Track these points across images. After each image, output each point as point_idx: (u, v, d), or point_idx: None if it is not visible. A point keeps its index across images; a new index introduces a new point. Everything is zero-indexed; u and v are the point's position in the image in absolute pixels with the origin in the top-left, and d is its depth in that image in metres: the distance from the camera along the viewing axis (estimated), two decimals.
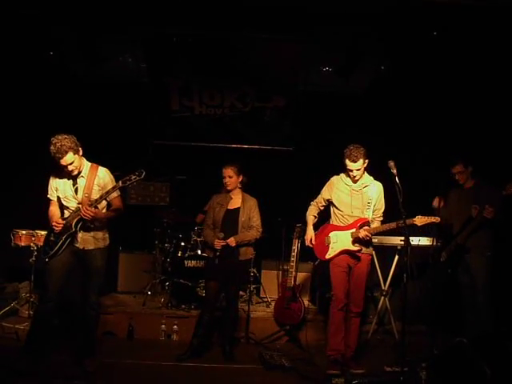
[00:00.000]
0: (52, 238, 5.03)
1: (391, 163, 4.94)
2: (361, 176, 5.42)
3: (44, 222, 6.86)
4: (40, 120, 7.67)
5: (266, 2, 6.08)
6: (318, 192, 5.81)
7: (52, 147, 4.76)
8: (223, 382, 5.16)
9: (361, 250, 5.44)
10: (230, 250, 5.72)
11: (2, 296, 6.93)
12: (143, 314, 6.70)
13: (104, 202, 5.06)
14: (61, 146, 4.74)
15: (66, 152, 4.77)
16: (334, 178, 5.64)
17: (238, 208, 5.88)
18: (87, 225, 4.99)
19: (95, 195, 4.98)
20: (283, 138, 8.58)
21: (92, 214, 4.84)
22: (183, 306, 6.92)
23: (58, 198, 5.06)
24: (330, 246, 5.53)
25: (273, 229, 7.47)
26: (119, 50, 7.59)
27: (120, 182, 4.86)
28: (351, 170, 5.34)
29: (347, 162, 5.31)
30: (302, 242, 6.70)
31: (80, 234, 5.00)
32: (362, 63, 7.33)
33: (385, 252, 6.78)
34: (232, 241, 5.69)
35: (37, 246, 6.74)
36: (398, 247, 6.55)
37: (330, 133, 8.12)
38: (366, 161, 5.33)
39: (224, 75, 8.04)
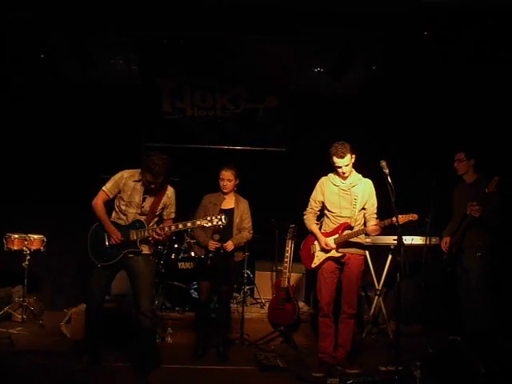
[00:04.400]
0: (107, 244, 4.97)
1: (383, 163, 4.93)
2: (350, 172, 5.41)
3: (36, 225, 6.94)
4: (32, 122, 7.66)
5: (257, 3, 6.09)
6: (311, 193, 5.81)
7: (150, 163, 4.81)
8: (218, 383, 5.14)
9: (344, 255, 5.42)
10: (224, 251, 5.71)
11: None
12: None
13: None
14: (159, 166, 4.81)
15: (161, 175, 4.85)
16: (323, 179, 5.63)
17: (232, 209, 5.89)
18: None
19: (158, 211, 5.07)
20: (276, 138, 8.56)
21: (161, 239, 5.02)
22: (177, 309, 6.90)
23: (115, 196, 5.06)
24: (316, 254, 5.54)
25: (266, 230, 7.48)
26: (111, 53, 7.61)
27: (201, 220, 4.97)
28: (340, 167, 5.33)
29: (335, 159, 5.31)
30: (295, 243, 6.74)
31: None
32: (353, 63, 7.35)
33: (378, 251, 6.79)
34: (230, 245, 5.73)
35: (29, 249, 6.73)
36: (392, 246, 6.56)
37: (323, 133, 8.10)
38: (353, 156, 5.33)
39: (216, 76, 8.03)
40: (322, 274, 5.51)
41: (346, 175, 5.40)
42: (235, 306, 7.10)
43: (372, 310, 6.68)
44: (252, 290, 7.80)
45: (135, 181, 5.04)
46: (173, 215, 5.17)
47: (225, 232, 5.73)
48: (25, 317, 6.69)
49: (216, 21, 6.53)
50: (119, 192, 5.04)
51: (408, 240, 6.47)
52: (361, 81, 7.88)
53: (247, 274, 7.53)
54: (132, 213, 5.00)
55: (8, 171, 7.48)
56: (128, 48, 7.48)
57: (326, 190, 5.53)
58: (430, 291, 6.02)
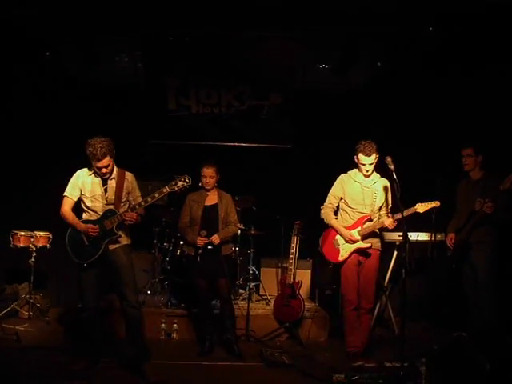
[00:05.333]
0: (87, 243, 4.97)
1: (388, 159, 5.00)
2: (372, 171, 5.50)
3: (42, 222, 6.95)
4: (37, 121, 7.67)
5: (262, 1, 6.09)
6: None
7: (91, 148, 4.78)
8: (224, 379, 5.15)
9: (371, 245, 5.52)
10: (212, 247, 5.75)
11: (2, 297, 6.95)
12: (143, 313, 6.68)
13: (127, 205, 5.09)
14: (100, 148, 4.77)
15: (105, 155, 4.82)
16: (344, 176, 5.69)
17: (216, 204, 5.96)
18: None
19: (123, 198, 5.04)
20: (281, 135, 8.56)
21: (135, 218, 4.92)
22: (183, 305, 6.92)
23: (79, 198, 5.05)
24: (341, 247, 5.60)
25: (271, 226, 7.50)
26: (116, 51, 7.60)
27: (167, 187, 4.92)
28: (364, 164, 5.41)
29: (361, 156, 5.39)
30: (301, 239, 6.75)
31: None
32: (357, 60, 7.34)
33: (384, 247, 6.78)
34: (216, 238, 5.76)
35: (36, 246, 6.75)
36: (397, 243, 6.55)
37: (328, 130, 8.12)
38: (377, 156, 5.40)
39: (221, 74, 8.04)
40: (348, 267, 5.59)
41: (369, 173, 5.49)
42: (241, 302, 7.11)
43: (378, 306, 6.67)
44: (257, 287, 7.81)
45: (90, 175, 5.04)
46: (139, 199, 5.10)
47: (211, 228, 5.82)
48: (31, 313, 6.70)
49: (221, 18, 6.53)
50: (81, 192, 5.05)
51: (413, 236, 6.48)
52: (366, 77, 7.87)
53: (252, 270, 7.56)
54: (99, 206, 5.00)
55: (13, 169, 7.50)
56: (134, 46, 7.48)
57: (347, 186, 5.60)
58: (435, 287, 6.02)
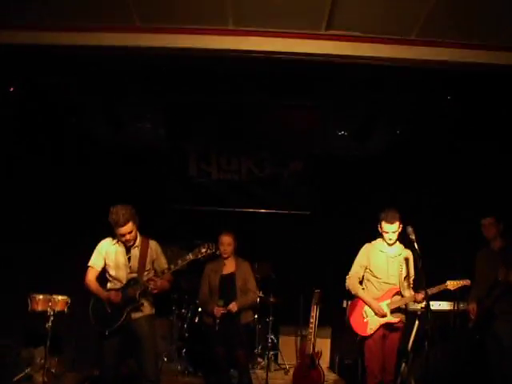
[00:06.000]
0: (109, 311, 4.93)
1: (409, 229, 4.97)
2: (396, 240, 5.40)
3: (61, 287, 6.94)
4: (59, 185, 7.78)
5: (283, 68, 6.21)
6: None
7: (114, 216, 4.81)
8: None
9: (399, 321, 5.38)
10: (231, 315, 5.69)
11: (17, 361, 6.87)
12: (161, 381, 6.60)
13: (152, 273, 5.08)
14: (123, 214, 4.80)
15: (128, 221, 4.84)
16: (369, 245, 5.59)
17: (233, 273, 5.94)
18: None
19: (148, 266, 5.03)
20: (300, 201, 8.61)
21: (159, 286, 4.92)
22: (200, 374, 6.79)
23: (103, 267, 5.05)
24: (369, 320, 5.43)
25: (291, 294, 7.42)
26: (139, 116, 7.75)
27: (191, 254, 4.92)
28: (387, 233, 5.33)
29: (384, 224, 5.32)
30: (321, 308, 6.65)
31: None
32: (377, 127, 7.41)
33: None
34: (234, 306, 5.70)
35: (53, 310, 6.71)
36: (418, 312, 6.41)
37: (348, 196, 8.14)
38: (401, 226, 5.32)
39: (241, 140, 8.16)
40: (374, 340, 5.40)
41: (391, 242, 5.39)
42: (259, 371, 6.97)
43: (399, 378, 6.48)
44: (276, 356, 7.67)
45: (114, 244, 5.06)
46: (165, 266, 5.08)
47: (229, 296, 5.78)
48: (46, 379, 6.60)
49: (241, 85, 6.65)
50: (105, 262, 5.06)
51: (435, 305, 6.35)
52: (385, 144, 7.93)
53: (271, 338, 7.44)
54: (123, 275, 4.99)
55: (34, 233, 7.55)
56: (156, 112, 7.63)
57: (372, 256, 5.50)
58: (457, 358, 5.86)
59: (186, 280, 7.47)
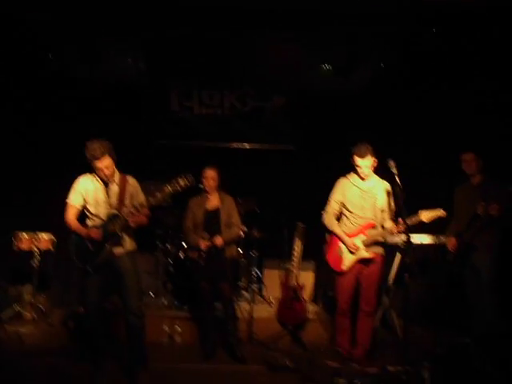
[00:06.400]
0: (90, 247, 4.95)
1: (391, 162, 4.97)
2: (369, 174, 5.43)
3: (46, 223, 6.95)
4: (40, 122, 7.68)
5: (264, 3, 6.08)
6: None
7: (90, 150, 4.80)
8: (227, 383, 5.14)
9: (374, 256, 5.48)
10: (215, 249, 5.75)
11: (5, 299, 6.95)
12: (145, 315, 6.68)
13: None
14: (99, 148, 4.79)
15: (104, 154, 4.84)
16: (343, 180, 5.63)
17: (217, 207, 5.96)
18: None
19: (127, 202, 5.03)
20: (284, 137, 8.57)
21: (139, 220, 4.93)
22: (185, 307, 6.92)
23: (82, 204, 5.04)
24: (344, 256, 5.53)
25: (275, 228, 7.50)
26: (119, 52, 7.57)
27: (168, 187, 4.87)
28: (360, 167, 5.36)
29: (356, 158, 5.35)
30: (304, 242, 6.74)
31: None
32: (361, 61, 7.32)
33: (387, 250, 6.76)
34: (219, 239, 5.75)
35: (39, 249, 6.75)
36: (400, 246, 6.52)
37: (331, 131, 8.11)
38: (375, 160, 5.38)
39: (223, 75, 8.04)
40: (345, 275, 5.55)
41: (365, 176, 5.43)
42: (244, 304, 7.11)
43: (381, 309, 6.64)
44: (260, 289, 7.81)
45: (92, 181, 5.05)
46: (145, 202, 5.06)
47: (214, 231, 5.81)
48: (34, 315, 6.70)
49: (225, 20, 6.52)
50: (84, 200, 5.04)
51: (417, 239, 6.44)
52: (369, 78, 7.84)
53: (255, 272, 7.55)
54: (103, 212, 4.99)
55: (17, 171, 7.51)
56: (137, 48, 7.46)
57: (347, 190, 5.54)
58: (437, 291, 6.01)
59: (170, 216, 7.50)
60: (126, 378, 5.02)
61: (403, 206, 4.91)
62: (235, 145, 8.50)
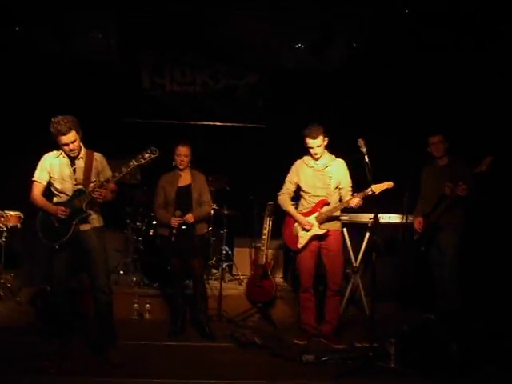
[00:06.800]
0: (57, 225, 4.88)
1: (361, 141, 5.08)
2: (322, 153, 5.56)
3: (13, 202, 6.86)
4: (6, 97, 7.54)
5: None
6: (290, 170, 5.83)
7: (55, 125, 4.72)
8: (195, 360, 5.14)
9: (328, 231, 5.55)
10: (186, 227, 5.76)
11: None
12: (115, 293, 6.52)
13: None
14: (65, 123, 4.71)
15: (70, 130, 4.75)
16: (298, 162, 5.78)
17: (189, 185, 5.94)
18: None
19: (93, 178, 4.97)
20: (256, 115, 8.56)
21: (104, 195, 4.84)
22: (155, 285, 6.93)
23: (48, 181, 4.97)
24: (299, 235, 5.65)
25: (245, 206, 7.52)
26: (89, 27, 7.44)
27: (134, 161, 4.83)
28: (312, 148, 5.50)
29: (307, 140, 5.49)
30: (274, 220, 6.78)
31: None
32: (334, 40, 7.33)
33: (356, 229, 6.83)
34: (190, 217, 5.75)
35: (6, 226, 6.68)
36: (369, 224, 6.58)
37: (303, 110, 8.10)
38: (326, 138, 5.51)
39: (196, 52, 7.98)
40: (304, 253, 5.68)
41: (317, 156, 5.56)
42: (214, 282, 7.14)
43: (349, 287, 6.72)
44: (231, 267, 7.85)
45: (58, 157, 4.99)
46: (111, 178, 4.98)
47: (185, 208, 5.81)
48: (2, 294, 6.65)
49: None
50: (49, 175, 4.98)
51: (385, 218, 6.54)
52: (342, 58, 7.84)
53: (226, 250, 7.57)
54: (69, 187, 4.93)
55: None
56: (107, 22, 7.35)
57: (301, 171, 5.68)
58: (405, 269, 6.10)
59: (140, 193, 7.47)
60: (95, 355, 5.01)
61: (372, 183, 5.05)
62: (206, 122, 8.45)
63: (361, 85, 7.86)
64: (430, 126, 6.15)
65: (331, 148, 5.72)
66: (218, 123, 8.50)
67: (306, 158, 5.69)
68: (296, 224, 5.68)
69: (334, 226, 5.62)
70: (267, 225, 6.80)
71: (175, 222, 5.75)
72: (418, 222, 6.02)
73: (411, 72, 7.44)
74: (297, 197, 5.84)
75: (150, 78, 8.22)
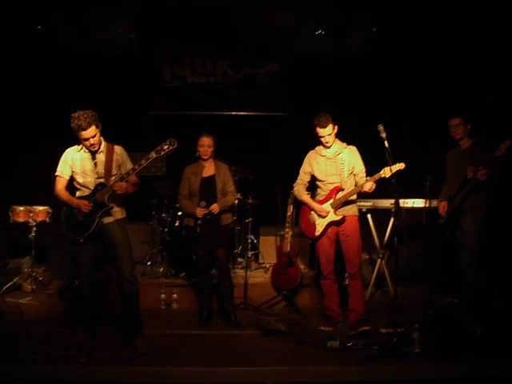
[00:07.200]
0: (81, 218, 4.98)
1: (380, 127, 5.06)
2: (333, 142, 5.60)
3: (42, 197, 6.99)
4: (33, 94, 7.66)
5: None
6: None
7: (76, 120, 4.79)
8: (222, 348, 5.21)
9: (344, 217, 5.58)
10: (211, 217, 5.80)
11: (5, 272, 7.03)
12: (142, 284, 6.65)
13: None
14: (85, 118, 4.78)
15: (90, 125, 4.82)
16: (311, 152, 5.83)
17: (213, 175, 5.97)
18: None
19: (114, 171, 5.04)
20: (278, 103, 8.57)
21: (125, 187, 4.92)
22: (182, 275, 7.01)
23: (71, 176, 5.06)
24: (316, 222, 5.71)
25: (269, 195, 7.54)
26: (109, 21, 7.52)
27: (153, 152, 4.89)
28: (323, 136, 5.55)
29: (318, 129, 5.54)
30: (297, 208, 6.78)
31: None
32: (353, 25, 7.29)
33: (381, 215, 6.81)
34: (216, 207, 5.79)
35: (35, 221, 6.81)
36: (392, 210, 6.55)
37: (325, 97, 8.08)
38: (336, 126, 5.55)
39: (215, 42, 8.01)
40: (323, 240, 5.72)
41: (329, 144, 5.61)
42: (239, 271, 7.19)
43: (375, 273, 6.72)
44: (256, 255, 7.89)
45: (79, 151, 5.06)
46: (131, 170, 5.03)
47: (210, 199, 5.84)
48: (34, 287, 6.78)
49: None
50: (71, 170, 5.06)
51: (409, 203, 6.51)
52: (361, 43, 7.81)
53: (251, 239, 7.61)
54: (91, 181, 5.01)
55: (12, 144, 7.52)
56: (126, 16, 7.40)
57: (313, 161, 5.74)
58: (430, 254, 6.06)
59: (164, 185, 7.54)
60: (123, 344, 5.11)
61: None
62: (228, 112, 8.47)
63: (382, 69, 7.80)
64: (453, 109, 6.05)
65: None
66: (240, 113, 8.52)
67: (318, 148, 5.74)
68: (312, 212, 5.73)
69: (350, 210, 5.65)
70: (291, 213, 6.81)
71: (200, 212, 5.79)
72: (442, 207, 5.99)
73: (433, 56, 7.35)
74: (313, 186, 5.87)
75: (170, 70, 8.28)
